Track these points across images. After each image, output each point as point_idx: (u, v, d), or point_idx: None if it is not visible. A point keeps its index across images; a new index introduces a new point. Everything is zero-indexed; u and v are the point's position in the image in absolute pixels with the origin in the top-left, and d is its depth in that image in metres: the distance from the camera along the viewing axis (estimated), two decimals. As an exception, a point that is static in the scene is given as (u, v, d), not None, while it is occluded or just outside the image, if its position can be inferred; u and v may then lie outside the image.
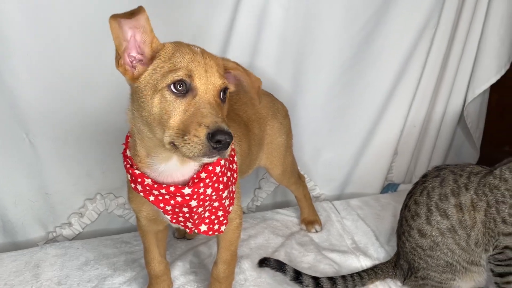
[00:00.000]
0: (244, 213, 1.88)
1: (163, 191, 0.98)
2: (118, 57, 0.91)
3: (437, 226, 1.27)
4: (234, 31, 1.56)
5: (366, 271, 1.41)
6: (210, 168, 1.00)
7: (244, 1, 1.52)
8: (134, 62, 0.93)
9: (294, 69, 1.71)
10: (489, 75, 1.86)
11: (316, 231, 1.67)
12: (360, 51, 1.73)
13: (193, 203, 1.00)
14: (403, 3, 1.66)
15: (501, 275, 1.24)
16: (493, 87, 1.94)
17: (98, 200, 1.63)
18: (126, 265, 1.44)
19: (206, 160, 0.86)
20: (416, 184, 1.38)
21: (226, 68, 0.98)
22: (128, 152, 1.02)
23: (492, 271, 1.26)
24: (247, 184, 1.90)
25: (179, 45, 0.93)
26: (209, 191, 1.01)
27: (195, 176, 0.99)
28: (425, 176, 1.37)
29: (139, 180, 0.98)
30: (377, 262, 1.50)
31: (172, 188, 0.97)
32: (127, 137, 1.04)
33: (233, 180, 1.10)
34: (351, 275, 1.38)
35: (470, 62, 1.86)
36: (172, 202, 0.99)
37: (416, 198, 1.34)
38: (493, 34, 1.81)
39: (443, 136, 2.01)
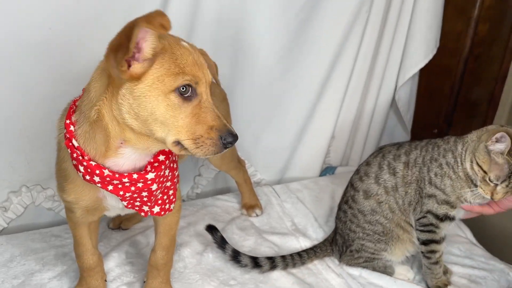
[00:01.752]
0: (183, 200, 1.84)
1: (125, 180, 0.95)
2: (128, 56, 0.81)
3: (384, 185, 1.31)
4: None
5: (305, 250, 1.44)
6: (167, 149, 0.99)
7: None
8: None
9: (231, 54, 1.69)
10: (418, 60, 1.94)
11: (257, 215, 1.67)
12: (296, 36, 1.73)
13: (154, 186, 0.99)
14: (337, -12, 1.69)
15: (425, 243, 1.31)
16: (422, 72, 2.03)
17: (24, 192, 1.52)
18: (56, 259, 1.36)
19: (209, 156, 0.91)
20: (373, 153, 1.41)
21: None
22: (75, 142, 0.94)
23: (418, 239, 1.33)
24: (187, 172, 1.85)
25: (176, 42, 0.89)
26: (167, 172, 1.02)
27: (152, 160, 0.98)
28: (383, 146, 1.40)
29: (96, 172, 0.93)
30: (316, 242, 1.53)
31: (135, 176, 0.95)
32: (67, 125, 0.95)
33: (177, 158, 1.11)
34: (291, 255, 1.40)
35: (400, 48, 1.93)
36: (132, 188, 0.96)
37: (369, 160, 1.38)
38: (421, 21, 1.88)
39: (377, 119, 2.08)
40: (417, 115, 2.17)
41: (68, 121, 0.95)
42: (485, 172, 1.17)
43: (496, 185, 1.16)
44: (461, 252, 1.54)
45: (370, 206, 1.33)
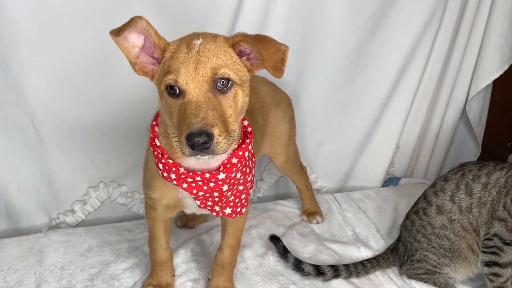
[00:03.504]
0: (245, 203, 1.89)
1: (198, 178, 1.00)
2: (133, 64, 0.96)
3: (459, 204, 1.28)
4: (238, 22, 1.57)
5: (369, 260, 1.43)
6: (240, 153, 1.03)
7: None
8: (156, 63, 0.98)
9: (298, 61, 1.71)
10: (492, 70, 1.85)
11: (317, 222, 1.68)
12: (364, 44, 1.73)
13: (225, 187, 1.03)
14: (407, -3, 1.67)
15: (488, 264, 1.25)
16: (495, 83, 1.94)
17: (101, 188, 1.64)
18: (129, 252, 1.46)
19: (202, 157, 0.90)
20: (453, 168, 1.38)
21: (235, 45, 0.95)
22: (157, 142, 1.03)
23: (481, 260, 1.28)
24: (249, 176, 1.90)
25: (180, 42, 0.94)
26: (238, 175, 1.05)
27: (225, 161, 1.02)
28: (465, 163, 1.36)
29: (173, 169, 1.00)
30: (378, 253, 1.50)
31: (207, 175, 1.00)
32: (153, 126, 1.05)
33: (253, 165, 1.14)
34: (354, 264, 1.40)
35: (473, 57, 1.86)
36: (205, 188, 1.02)
37: (447, 175, 1.35)
38: (497, 30, 1.81)
39: (445, 130, 2.01)
40: (489, 127, 2.06)
41: (154, 123, 1.04)
42: None
43: None
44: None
45: (441, 221, 1.30)
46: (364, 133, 1.90)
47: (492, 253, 1.23)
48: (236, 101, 0.94)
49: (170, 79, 0.89)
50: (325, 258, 1.49)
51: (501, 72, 1.86)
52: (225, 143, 0.87)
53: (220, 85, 0.91)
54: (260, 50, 0.89)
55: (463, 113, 2.01)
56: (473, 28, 1.81)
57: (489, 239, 1.23)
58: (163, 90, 0.92)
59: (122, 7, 1.41)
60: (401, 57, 1.77)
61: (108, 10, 1.41)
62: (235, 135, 0.95)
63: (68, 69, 1.46)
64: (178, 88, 0.89)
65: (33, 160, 1.54)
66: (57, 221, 1.64)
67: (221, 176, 1.01)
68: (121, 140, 1.59)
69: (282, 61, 0.91)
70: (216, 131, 0.85)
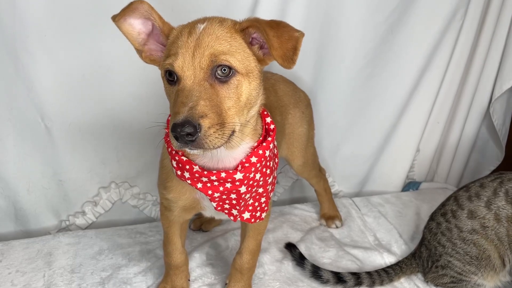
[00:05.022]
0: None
1: (213, 177, 0.93)
2: (139, 51, 0.92)
3: (496, 211, 1.20)
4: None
5: (391, 266, 1.36)
6: (260, 152, 0.95)
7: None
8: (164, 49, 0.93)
9: (315, 60, 1.66)
10: (518, 70, 1.79)
11: (337, 227, 1.62)
12: (383, 43, 1.67)
13: (243, 188, 0.96)
14: (430, -7, 1.61)
15: None
16: (520, 84, 1.87)
17: (113, 189, 1.59)
18: (141, 255, 1.40)
19: (189, 151, 0.83)
20: (489, 175, 1.31)
21: (245, 31, 0.87)
22: None
23: None
24: (264, 179, 1.84)
25: (184, 26, 0.89)
26: (257, 176, 0.97)
27: (244, 160, 0.95)
28: (503, 172, 1.29)
29: (187, 167, 0.93)
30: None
31: (223, 174, 0.93)
32: (168, 122, 1.00)
33: (276, 166, 1.06)
34: (377, 271, 1.33)
35: (498, 56, 1.79)
36: (221, 188, 0.95)
37: (484, 181, 1.27)
38: (523, 27, 1.75)
39: (467, 133, 1.94)
40: (512, 130, 1.99)
41: (169, 118, 0.97)
42: None
43: None
44: None
45: (472, 226, 1.23)
46: (383, 136, 1.84)
47: None
48: (238, 93, 0.84)
49: (166, 63, 0.83)
50: (346, 264, 1.42)
51: (527, 72, 1.79)
52: (216, 137, 0.79)
53: (221, 73, 0.83)
54: (270, 37, 0.80)
55: (486, 115, 1.94)
56: (497, 25, 1.74)
57: None
58: (163, 76, 0.87)
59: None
60: (422, 56, 1.71)
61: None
62: (237, 130, 0.85)
63: (79, 67, 1.42)
64: (175, 74, 0.83)
65: (43, 159, 1.49)
66: (67, 223, 1.58)
67: (238, 176, 0.93)
68: (133, 140, 1.53)
69: (294, 49, 0.81)
70: (205, 123, 0.77)
